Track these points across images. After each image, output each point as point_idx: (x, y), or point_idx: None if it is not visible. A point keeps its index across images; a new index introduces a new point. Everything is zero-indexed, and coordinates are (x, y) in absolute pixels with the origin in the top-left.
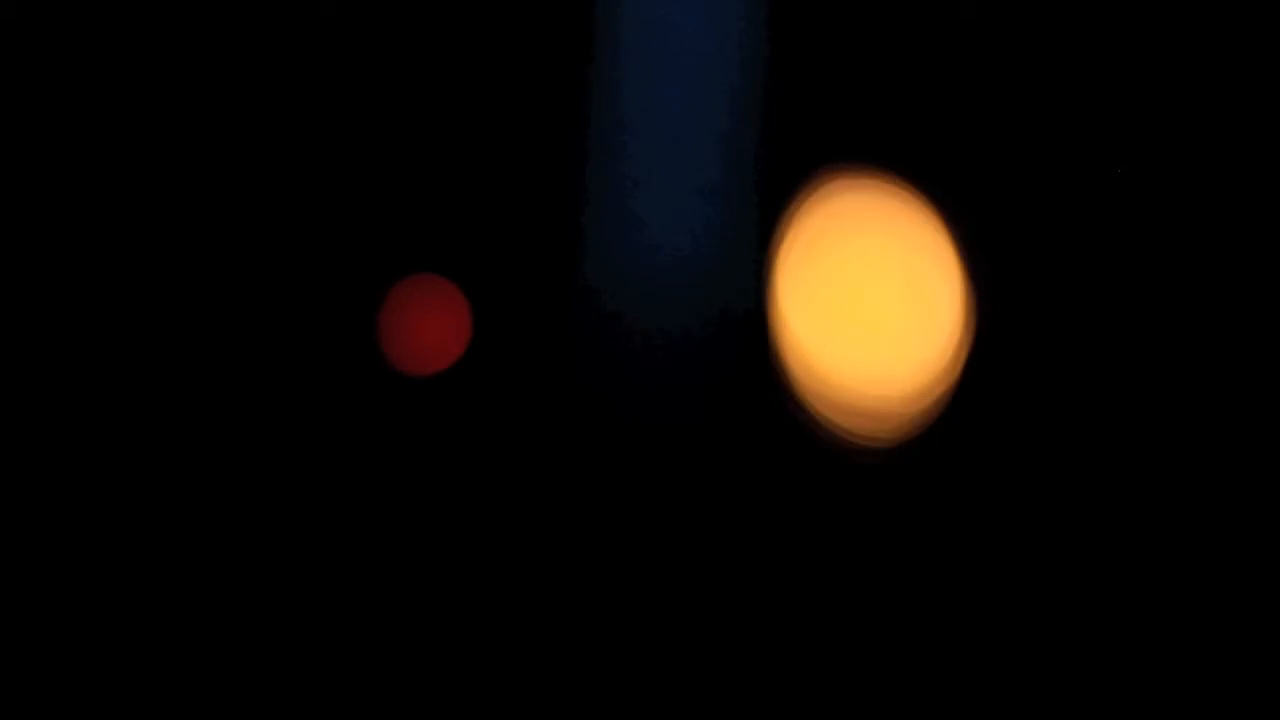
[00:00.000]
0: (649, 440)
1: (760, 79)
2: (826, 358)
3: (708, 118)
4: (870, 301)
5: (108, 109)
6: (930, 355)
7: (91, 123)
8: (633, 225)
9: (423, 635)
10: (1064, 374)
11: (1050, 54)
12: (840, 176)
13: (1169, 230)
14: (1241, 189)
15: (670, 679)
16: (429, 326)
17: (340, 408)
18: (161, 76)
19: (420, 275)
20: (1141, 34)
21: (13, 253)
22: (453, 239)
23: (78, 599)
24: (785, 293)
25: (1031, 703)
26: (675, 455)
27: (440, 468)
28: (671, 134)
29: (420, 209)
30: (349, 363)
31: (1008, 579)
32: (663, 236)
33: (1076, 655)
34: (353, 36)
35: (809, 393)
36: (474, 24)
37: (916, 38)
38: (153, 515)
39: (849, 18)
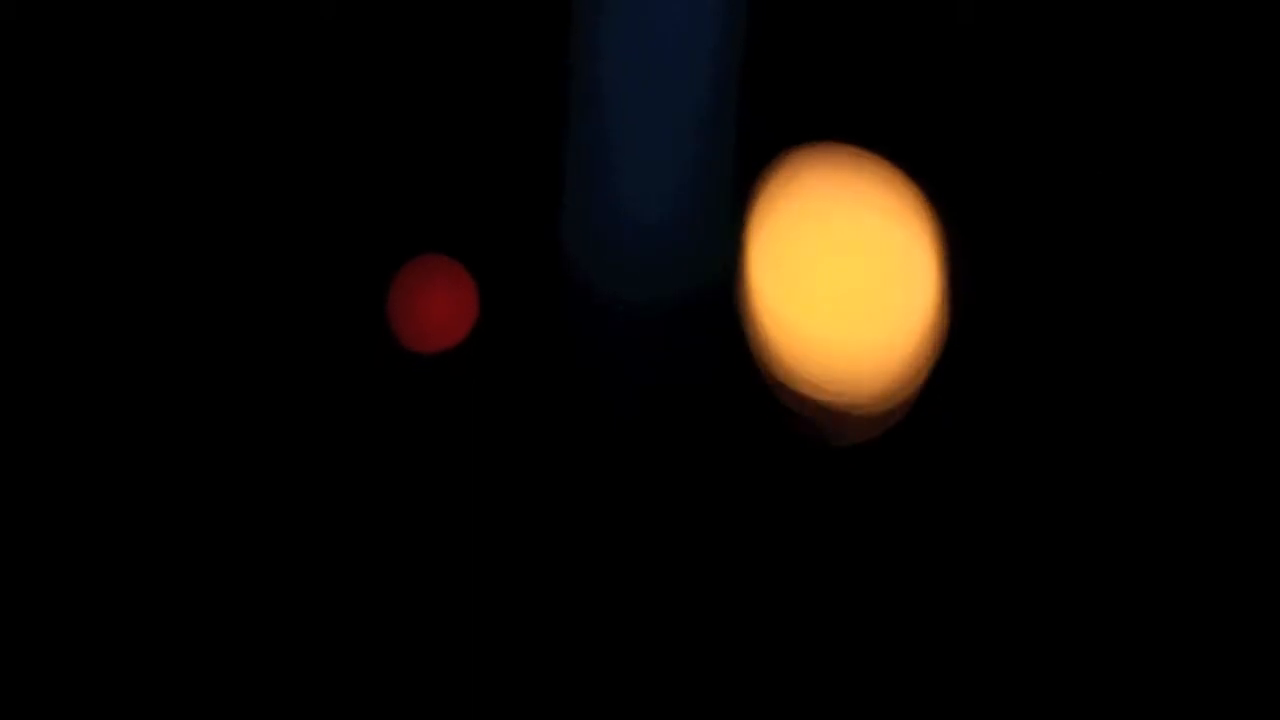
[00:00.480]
0: (631, 411)
1: (739, 55)
2: (803, 332)
3: (687, 94)
4: (847, 277)
5: (110, 108)
6: (907, 330)
7: (95, 121)
8: (611, 201)
9: (429, 605)
10: (1041, 350)
11: (1026, 32)
12: (818, 152)
13: (1146, 209)
14: (1213, 167)
15: (657, 650)
16: (436, 306)
17: (351, 386)
18: (167, 69)
19: (428, 256)
20: (1111, 12)
21: (13, 252)
22: (437, 220)
23: (88, 569)
24: (762, 267)
25: (1011, 689)
26: (656, 426)
27: (441, 442)
28: (651, 110)
29: (404, 191)
30: (358, 343)
31: (983, 557)
32: (642, 212)
33: (1058, 638)
34: (353, 28)
35: (785, 367)
36: (460, 11)
37: (896, 14)
38: (163, 484)
39: None
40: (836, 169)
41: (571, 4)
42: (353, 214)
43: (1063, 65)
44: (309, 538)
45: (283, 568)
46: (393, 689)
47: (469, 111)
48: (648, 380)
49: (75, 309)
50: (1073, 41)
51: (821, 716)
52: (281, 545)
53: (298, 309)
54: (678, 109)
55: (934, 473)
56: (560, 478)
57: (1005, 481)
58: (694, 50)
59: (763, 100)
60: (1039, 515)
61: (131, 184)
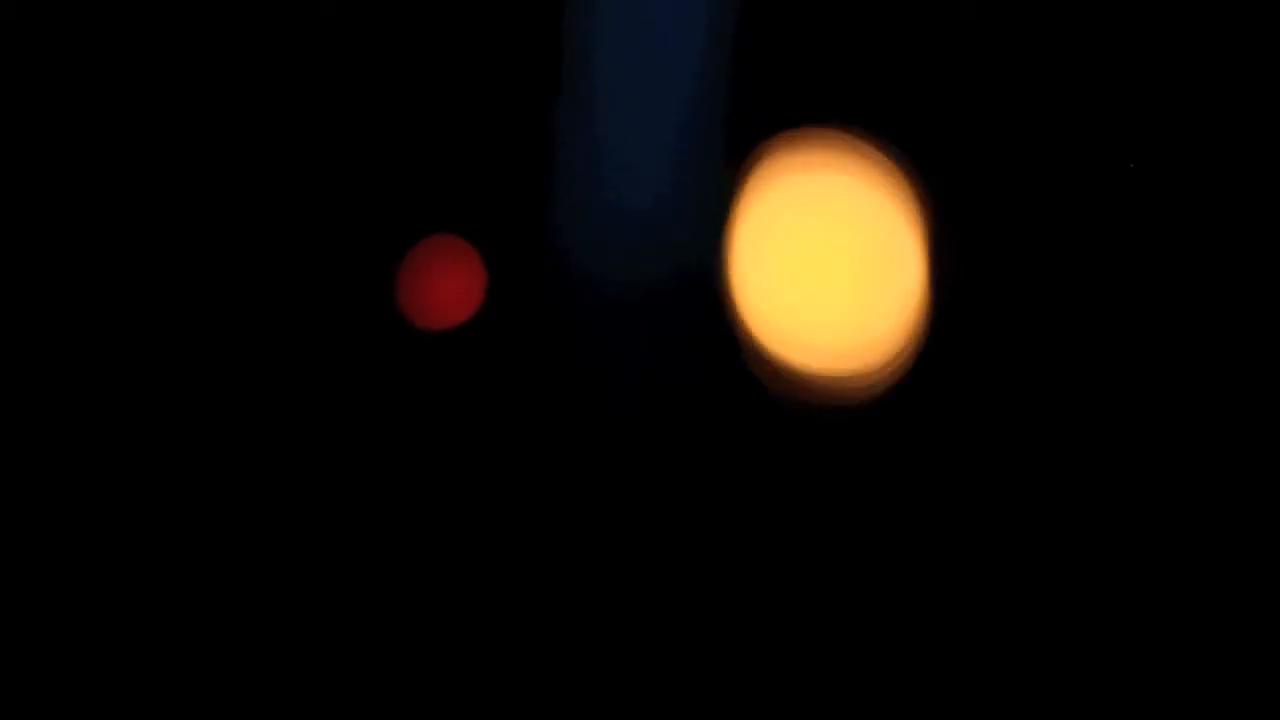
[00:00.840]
0: (622, 391)
1: (728, 41)
2: (786, 319)
3: (677, 76)
4: (831, 263)
5: (111, 108)
6: (890, 318)
7: (95, 121)
8: (601, 186)
9: (435, 578)
10: (1024, 335)
11: (1014, 21)
12: (806, 135)
13: (1127, 194)
14: (1193, 150)
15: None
16: (443, 286)
17: (361, 364)
18: (175, 55)
19: (437, 237)
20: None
21: (13, 252)
22: (430, 204)
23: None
24: (748, 253)
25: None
26: (646, 407)
27: (437, 425)
28: (641, 93)
29: (396, 177)
30: (369, 322)
31: (966, 543)
32: (629, 197)
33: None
34: (353, 21)
35: (768, 353)
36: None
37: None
38: (173, 456)
39: None
40: (823, 153)
41: None
42: (345, 197)
43: (1047, 48)
44: (307, 521)
45: (276, 553)
46: (387, 686)
47: (461, 97)
48: (638, 362)
49: (83, 295)
50: (1057, 25)
51: (827, 709)
52: (277, 529)
53: (306, 300)
54: (667, 92)
55: (922, 458)
56: (553, 463)
57: (991, 464)
58: (685, 33)
59: (751, 83)
60: (1025, 498)
61: (135, 179)
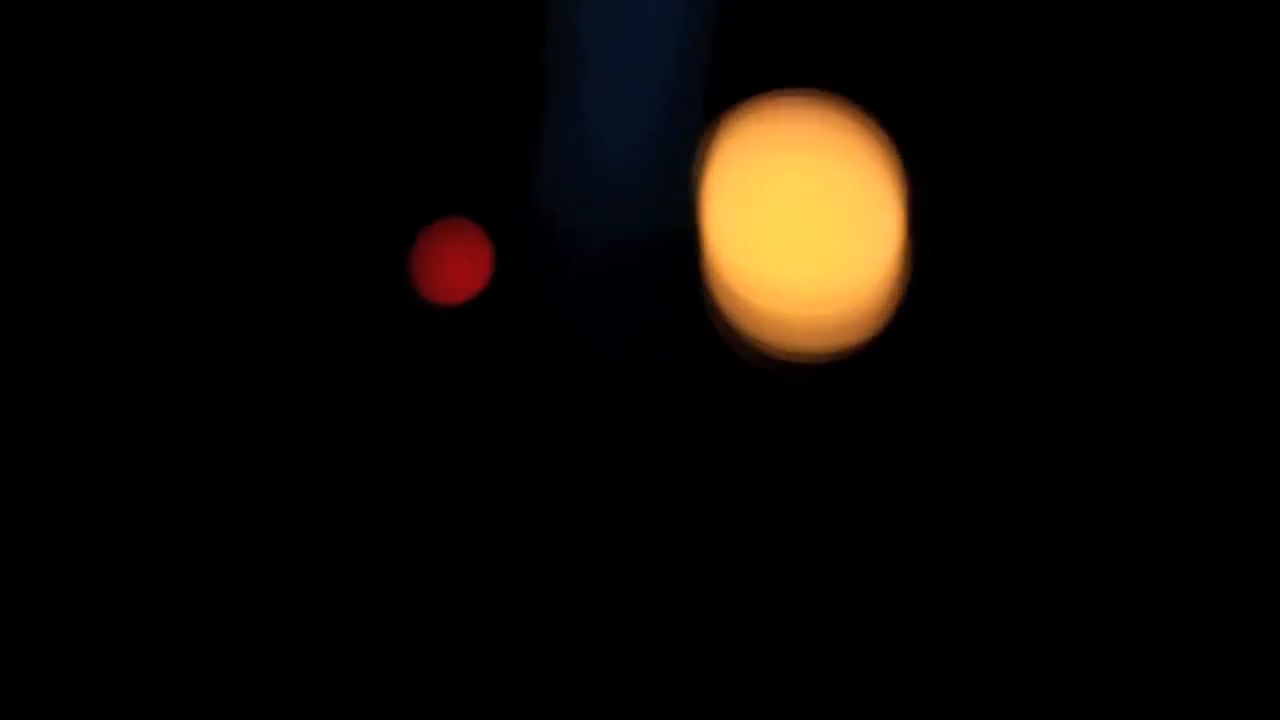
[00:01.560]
0: (600, 359)
1: (709, 5)
2: (762, 275)
3: (657, 41)
4: (809, 222)
5: (111, 108)
6: (867, 276)
7: (95, 121)
8: (583, 144)
9: (437, 548)
10: (998, 294)
11: None
12: (784, 101)
13: (1101, 153)
14: (1165, 127)
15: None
16: (453, 263)
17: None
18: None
19: (448, 218)
20: None
21: (13, 252)
22: (422, 179)
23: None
24: (727, 213)
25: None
26: (625, 374)
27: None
28: (622, 59)
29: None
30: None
31: (943, 505)
32: (612, 158)
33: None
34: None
35: (743, 308)
36: None
37: None
38: (183, 427)
39: None
40: (802, 114)
41: None
42: (340, 176)
43: (1022, 20)
44: (303, 500)
45: (271, 533)
46: (382, 683)
47: (446, 69)
48: (621, 323)
49: (96, 264)
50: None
51: (833, 707)
52: (274, 509)
53: (309, 286)
54: (649, 54)
55: (885, 412)
56: (544, 443)
57: (964, 429)
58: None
59: (732, 45)
60: (997, 465)
61: (140, 175)
